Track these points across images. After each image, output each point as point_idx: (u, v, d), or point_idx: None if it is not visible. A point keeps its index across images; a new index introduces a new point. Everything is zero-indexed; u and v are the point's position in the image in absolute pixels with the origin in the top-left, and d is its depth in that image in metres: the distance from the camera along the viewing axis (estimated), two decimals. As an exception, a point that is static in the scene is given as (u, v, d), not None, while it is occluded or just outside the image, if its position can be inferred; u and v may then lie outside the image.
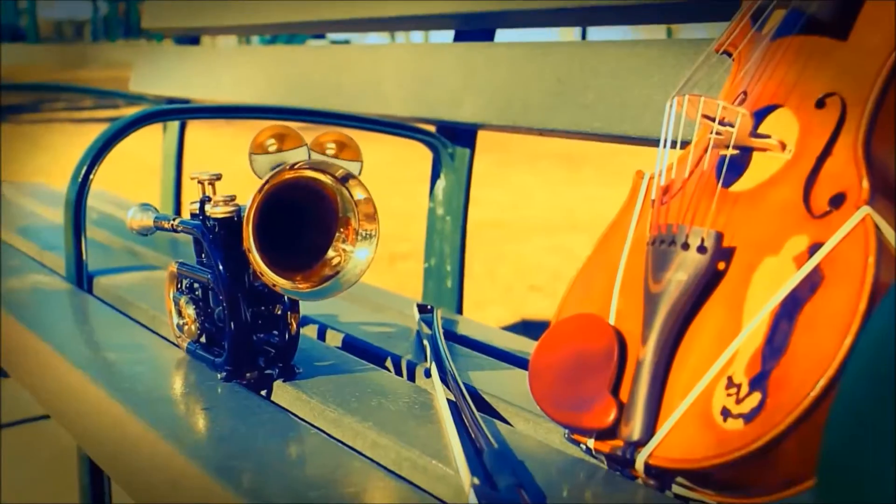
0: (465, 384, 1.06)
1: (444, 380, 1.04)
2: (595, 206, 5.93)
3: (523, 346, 1.33)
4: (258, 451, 0.88)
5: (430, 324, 1.28)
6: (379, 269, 4.22)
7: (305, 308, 1.37)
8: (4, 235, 1.99)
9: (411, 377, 1.16)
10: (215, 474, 0.82)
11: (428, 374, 1.12)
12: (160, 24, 2.75)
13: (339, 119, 1.76)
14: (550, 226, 5.38)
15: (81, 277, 1.52)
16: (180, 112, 1.61)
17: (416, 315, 1.35)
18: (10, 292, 1.49)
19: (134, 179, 3.82)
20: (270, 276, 0.98)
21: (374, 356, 1.20)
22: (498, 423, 0.97)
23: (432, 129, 1.76)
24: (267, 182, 0.97)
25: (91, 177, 1.52)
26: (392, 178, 5.77)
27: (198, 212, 1.08)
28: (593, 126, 1.38)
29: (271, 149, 1.00)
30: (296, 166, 0.98)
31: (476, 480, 0.77)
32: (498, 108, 1.56)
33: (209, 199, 1.07)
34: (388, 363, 1.19)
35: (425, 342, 1.21)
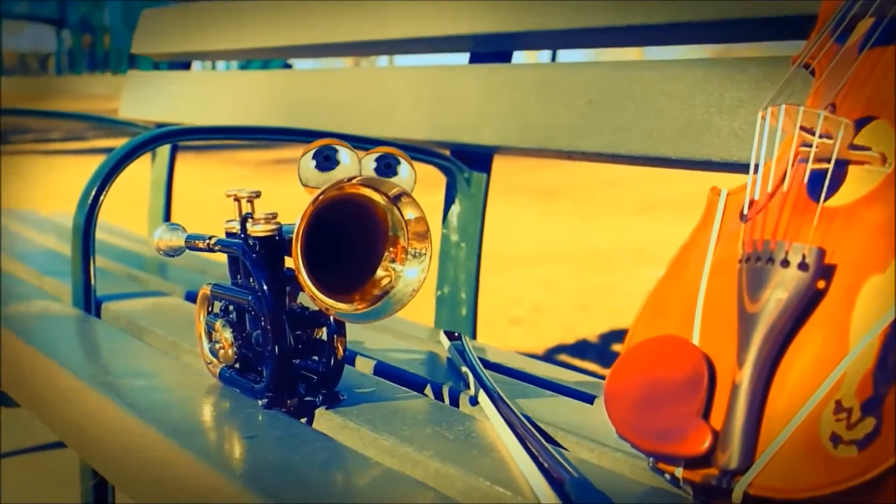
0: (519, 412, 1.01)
1: (497, 407, 0.99)
2: (575, 239, 5.92)
3: (557, 373, 1.28)
4: (316, 483, 0.83)
5: (460, 351, 1.23)
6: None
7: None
8: (4, 262, 1.93)
9: (454, 405, 1.11)
10: (277, 505, 0.77)
11: (474, 401, 1.07)
12: (150, 50, 2.70)
13: (349, 142, 1.71)
14: (530, 258, 5.35)
15: (90, 303, 1.46)
16: (193, 132, 1.56)
17: (446, 342, 1.30)
18: (17, 319, 1.43)
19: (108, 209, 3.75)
20: (322, 299, 0.93)
21: (412, 383, 1.15)
22: (566, 452, 0.92)
23: (446, 152, 1.72)
24: (319, 197, 0.92)
25: (101, 199, 1.47)
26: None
27: (238, 230, 1.03)
28: (629, 149, 1.34)
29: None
30: (352, 180, 0.93)
31: (569, 511, 0.72)
32: (520, 130, 1.52)
33: (251, 216, 1.02)
34: (428, 390, 1.14)
35: (464, 369, 1.16)
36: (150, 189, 2.62)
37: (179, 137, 1.52)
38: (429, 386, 1.14)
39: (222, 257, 1.11)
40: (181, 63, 2.68)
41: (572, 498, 0.76)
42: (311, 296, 0.93)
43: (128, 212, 3.03)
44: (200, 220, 1.27)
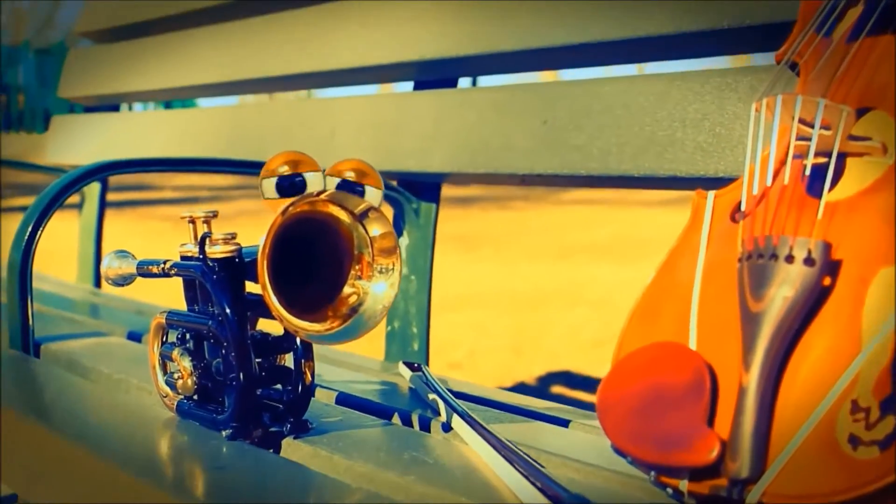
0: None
1: (477, 431, 0.95)
2: (498, 284, 5.90)
3: (523, 401, 1.24)
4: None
5: (425, 381, 1.18)
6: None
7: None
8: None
9: (426, 428, 1.06)
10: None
11: (447, 427, 1.02)
12: (78, 93, 2.63)
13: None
14: (457, 304, 5.32)
15: (28, 344, 1.39)
16: (135, 164, 1.50)
17: (407, 373, 1.25)
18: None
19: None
20: (291, 321, 0.88)
21: (378, 412, 1.10)
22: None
23: (394, 182, 1.67)
24: (286, 210, 0.87)
25: (38, 236, 1.40)
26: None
27: (195, 253, 0.98)
28: (588, 167, 1.30)
29: (284, 174, 0.91)
30: (320, 195, 0.89)
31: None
32: (472, 154, 1.48)
33: (209, 236, 0.96)
34: (396, 419, 1.09)
35: (432, 396, 1.11)
36: (79, 235, 2.55)
37: (120, 170, 1.47)
38: (396, 414, 1.09)
39: (161, 298, 1.06)
40: (110, 105, 2.61)
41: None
42: (279, 317, 0.88)
43: (50, 265, 2.95)
44: None
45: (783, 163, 0.80)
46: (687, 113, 1.21)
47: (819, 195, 0.77)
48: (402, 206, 1.65)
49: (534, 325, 4.69)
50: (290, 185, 0.91)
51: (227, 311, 0.93)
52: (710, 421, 0.74)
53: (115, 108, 2.59)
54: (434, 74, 1.65)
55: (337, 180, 0.93)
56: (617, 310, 4.63)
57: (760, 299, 0.73)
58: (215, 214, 0.99)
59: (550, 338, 4.46)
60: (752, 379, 0.72)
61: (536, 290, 5.67)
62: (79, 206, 2.56)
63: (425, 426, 1.06)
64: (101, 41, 2.66)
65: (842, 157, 0.78)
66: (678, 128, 1.21)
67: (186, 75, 2.22)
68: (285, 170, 0.91)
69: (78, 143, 2.55)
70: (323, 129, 1.77)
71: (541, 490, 0.78)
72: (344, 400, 1.17)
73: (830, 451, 0.68)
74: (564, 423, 1.07)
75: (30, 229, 1.39)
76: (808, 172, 0.78)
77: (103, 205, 2.49)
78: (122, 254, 1.10)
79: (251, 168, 1.67)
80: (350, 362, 1.45)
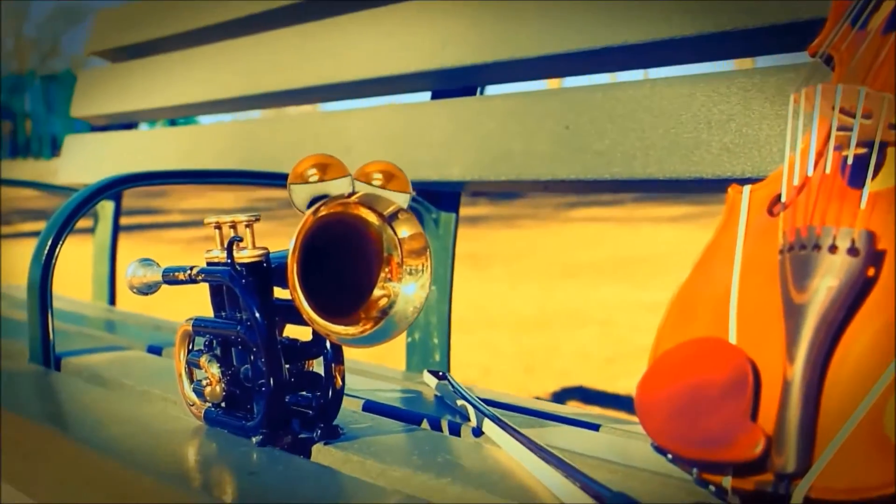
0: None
1: (511, 434, 0.93)
2: (506, 304, 5.89)
3: (551, 408, 1.23)
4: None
5: (452, 387, 1.17)
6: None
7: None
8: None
9: (457, 434, 1.05)
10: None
11: (477, 432, 1.01)
12: (90, 112, 2.63)
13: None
14: (468, 324, 5.30)
15: (49, 359, 1.38)
16: (152, 177, 1.50)
17: (432, 381, 1.24)
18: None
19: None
20: (322, 325, 0.87)
21: (407, 419, 1.09)
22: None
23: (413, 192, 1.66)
24: (317, 211, 0.86)
25: (57, 251, 1.39)
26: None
27: (222, 259, 0.97)
28: (612, 172, 1.30)
29: (312, 179, 0.90)
30: (350, 198, 0.88)
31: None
32: (493, 162, 1.47)
33: (240, 240, 0.95)
34: (425, 425, 1.08)
35: (461, 403, 1.10)
36: (93, 254, 2.54)
37: (137, 183, 1.46)
38: (425, 420, 1.08)
39: (176, 315, 1.05)
40: (123, 124, 2.61)
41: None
42: (310, 320, 0.87)
43: (65, 287, 2.94)
44: (139, 299, 1.22)
45: (823, 153, 0.79)
46: (712, 114, 1.20)
47: (861, 185, 0.76)
48: (422, 217, 1.64)
49: (543, 345, 4.68)
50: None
51: (257, 315, 0.92)
52: (754, 416, 0.73)
53: (129, 127, 2.59)
54: (451, 83, 1.65)
55: (364, 183, 0.92)
56: (625, 328, 4.62)
57: (804, 290, 0.72)
58: (258, 217, 0.98)
59: (561, 356, 4.44)
60: (797, 371, 0.71)
61: (544, 309, 5.65)
62: (91, 230, 2.55)
63: (455, 431, 1.04)
64: (113, 60, 2.66)
65: (883, 146, 0.77)
66: (703, 129, 1.20)
67: (195, 92, 2.21)
68: (313, 173, 0.90)
69: (89, 162, 2.54)
70: (339, 142, 1.76)
71: (581, 488, 0.77)
72: (371, 407, 1.16)
73: (879, 442, 0.67)
74: (595, 427, 1.05)
75: (49, 244, 1.38)
76: (849, 162, 0.77)
77: (117, 223, 2.49)
78: (147, 262, 1.09)
79: (267, 179, 1.66)
80: (372, 372, 1.44)
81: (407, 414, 1.10)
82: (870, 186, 0.76)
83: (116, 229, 2.50)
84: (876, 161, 0.76)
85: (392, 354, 1.76)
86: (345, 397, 1.17)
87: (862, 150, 0.77)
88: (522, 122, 1.44)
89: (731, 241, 0.82)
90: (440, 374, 1.27)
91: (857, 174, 0.77)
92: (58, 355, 1.41)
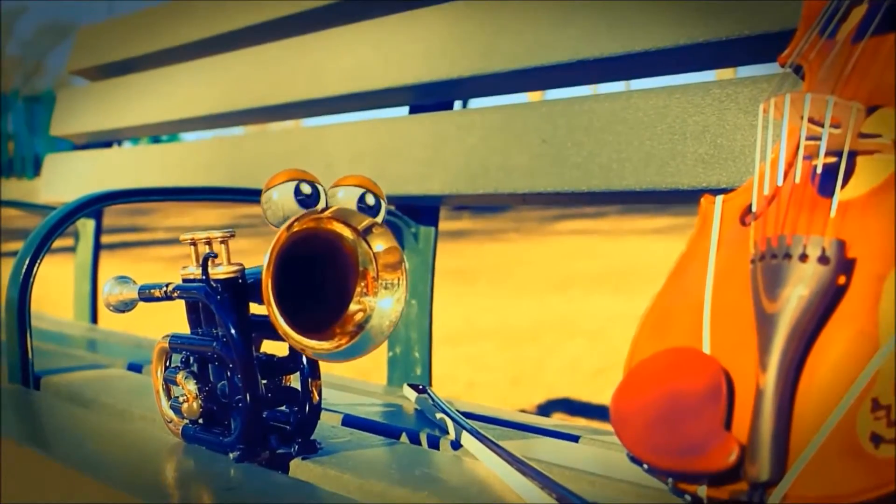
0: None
1: (488, 446, 0.93)
2: (495, 317, 5.89)
3: (530, 419, 1.22)
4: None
5: (432, 401, 1.17)
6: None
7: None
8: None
9: (436, 447, 1.05)
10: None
11: (456, 445, 1.01)
12: (70, 131, 2.63)
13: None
14: (455, 337, 5.30)
15: (28, 378, 1.38)
16: (129, 194, 1.50)
17: (412, 394, 1.24)
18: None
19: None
20: (298, 340, 0.87)
21: (386, 432, 1.09)
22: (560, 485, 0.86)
23: (391, 207, 1.66)
24: (293, 224, 0.87)
25: (35, 270, 1.39)
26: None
27: (197, 275, 0.97)
28: (590, 184, 1.30)
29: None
30: (323, 213, 0.88)
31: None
32: (472, 176, 1.47)
33: (214, 256, 0.95)
34: (404, 438, 1.08)
35: (439, 415, 1.10)
36: (74, 273, 2.53)
37: (114, 200, 1.46)
38: (404, 434, 1.08)
39: (161, 331, 1.05)
40: (101, 143, 2.61)
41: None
42: (286, 335, 0.87)
43: (46, 306, 2.94)
44: (121, 317, 1.21)
45: (793, 163, 0.79)
46: (687, 125, 1.20)
47: (831, 194, 0.76)
48: (402, 231, 1.64)
49: (531, 357, 4.68)
50: (303, 200, 0.90)
51: (233, 331, 0.92)
52: (728, 425, 0.73)
53: (110, 145, 2.58)
54: (431, 97, 1.65)
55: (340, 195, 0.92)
56: (614, 340, 4.62)
57: (775, 299, 0.73)
58: (232, 234, 0.98)
59: (548, 369, 4.45)
60: (770, 380, 0.71)
61: (533, 322, 5.66)
62: (73, 249, 2.55)
63: (434, 445, 1.04)
64: (93, 78, 2.66)
65: (852, 155, 0.77)
66: (679, 141, 1.21)
67: (176, 108, 2.21)
68: (289, 186, 0.90)
69: (71, 180, 2.54)
70: (319, 157, 1.76)
71: (558, 500, 0.77)
72: (350, 421, 1.15)
73: (852, 450, 0.67)
74: (574, 439, 1.05)
75: (27, 263, 1.38)
76: (819, 171, 0.77)
77: (98, 242, 2.48)
78: (123, 279, 1.09)
79: (247, 196, 1.66)
80: (353, 387, 1.44)
81: (386, 428, 1.10)
82: (840, 195, 0.76)
83: (97, 247, 2.49)
84: (846, 170, 0.76)
85: (374, 369, 1.76)
86: (324, 412, 1.18)
87: (832, 160, 0.77)
88: (500, 136, 1.44)
89: (705, 251, 0.83)
90: (420, 387, 1.27)
91: (826, 183, 0.77)
92: (37, 374, 1.41)
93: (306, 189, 0.90)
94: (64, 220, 1.42)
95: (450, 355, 4.81)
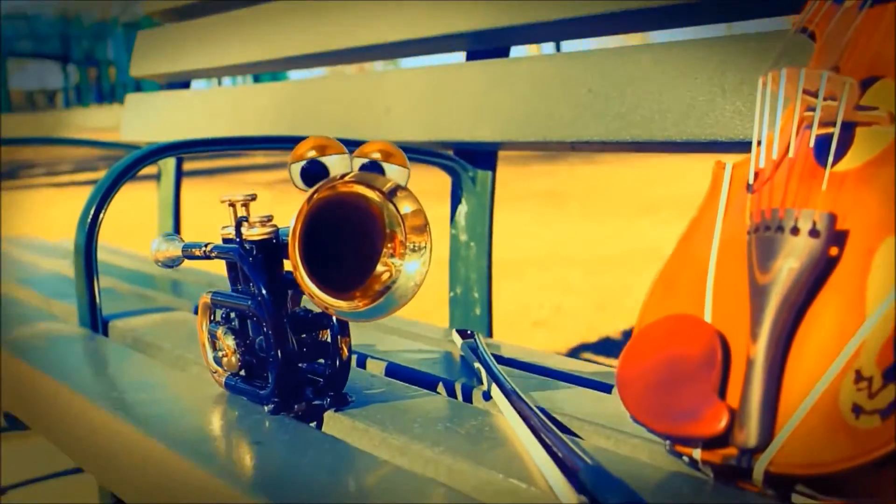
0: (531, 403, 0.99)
1: (510, 400, 0.97)
2: (584, 241, 5.90)
3: (574, 366, 1.25)
4: (323, 485, 0.80)
5: (473, 349, 1.20)
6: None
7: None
8: (6, 287, 1.91)
9: (468, 402, 1.08)
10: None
11: (487, 396, 1.04)
12: (149, 71, 2.69)
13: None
14: (543, 262, 5.32)
15: (96, 322, 1.44)
16: (187, 146, 1.54)
17: (458, 341, 1.27)
18: (22, 341, 1.41)
19: (117, 235, 3.74)
20: (322, 298, 0.91)
21: (424, 382, 1.13)
22: (578, 440, 0.89)
23: (450, 152, 1.69)
24: (312, 196, 0.90)
25: (101, 217, 1.44)
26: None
27: (233, 235, 1.01)
28: (632, 134, 1.31)
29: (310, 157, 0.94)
30: (344, 178, 0.91)
31: (584, 499, 0.69)
32: (521, 124, 1.49)
33: (246, 220, 0.99)
34: (440, 388, 1.12)
35: (476, 365, 1.13)
36: (157, 211, 2.60)
37: (174, 152, 1.51)
38: (441, 384, 1.12)
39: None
40: (181, 83, 2.66)
41: (587, 486, 0.74)
42: (310, 295, 0.91)
43: (139, 237, 3.01)
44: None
45: (791, 135, 0.80)
46: (725, 79, 1.21)
47: (825, 167, 0.77)
48: (459, 175, 1.67)
49: (616, 284, 4.69)
50: (314, 172, 0.94)
51: (263, 291, 0.96)
52: (722, 392, 0.75)
53: (186, 86, 2.64)
54: (485, 44, 1.67)
55: (362, 162, 0.95)
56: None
57: (767, 271, 0.74)
58: (254, 198, 1.02)
59: (634, 296, 4.45)
60: (760, 350, 0.73)
61: (621, 246, 5.66)
62: (157, 177, 2.61)
63: (468, 395, 1.08)
64: (169, 20, 2.71)
65: (850, 126, 0.78)
66: (717, 93, 1.21)
67: (247, 52, 2.25)
68: (313, 154, 0.93)
69: (150, 120, 2.60)
70: (379, 103, 1.79)
71: (560, 460, 0.80)
72: (393, 371, 1.20)
73: (834, 420, 0.69)
74: (608, 389, 1.08)
75: (93, 211, 1.43)
76: (812, 145, 0.78)
77: (179, 180, 2.54)
78: (170, 237, 1.13)
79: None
80: (410, 331, 1.48)
81: (425, 378, 1.14)
82: (839, 166, 0.77)
83: (179, 184, 2.55)
84: (842, 142, 0.78)
85: (439, 309, 1.80)
86: (370, 360, 1.22)
87: (830, 130, 0.79)
88: (548, 85, 1.46)
89: (712, 217, 0.84)
90: (469, 332, 1.30)
91: (822, 156, 0.78)
92: (106, 318, 1.47)
93: (323, 159, 0.93)
94: (127, 171, 1.46)
95: (538, 280, 4.84)
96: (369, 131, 1.79)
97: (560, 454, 0.81)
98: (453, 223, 1.70)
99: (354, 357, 1.25)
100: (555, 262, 5.28)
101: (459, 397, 1.09)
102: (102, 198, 1.44)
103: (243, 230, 0.99)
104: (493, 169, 1.67)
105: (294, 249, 0.90)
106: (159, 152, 1.45)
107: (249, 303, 1.00)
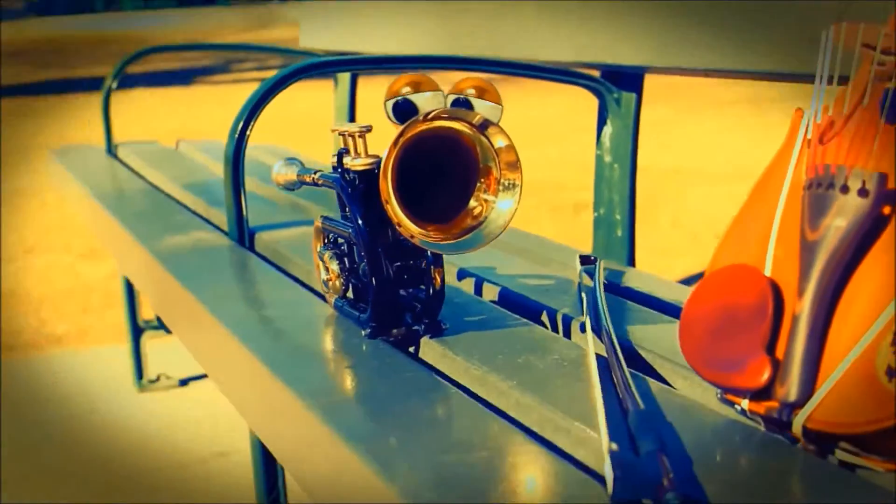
0: (622, 339, 1.01)
1: (598, 335, 0.99)
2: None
3: (678, 294, 1.26)
4: (396, 412, 0.85)
5: (592, 276, 1.22)
6: (563, 218, 4.18)
7: (465, 260, 1.33)
8: (175, 192, 2.00)
9: (567, 332, 1.11)
10: (347, 435, 0.80)
11: (583, 328, 1.06)
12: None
13: (500, 67, 1.72)
14: (737, 173, 5.22)
15: (243, 234, 1.51)
16: (325, 65, 1.59)
17: (578, 267, 1.29)
18: (172, 249, 1.49)
19: (308, 137, 3.84)
20: (409, 227, 0.94)
21: (531, 311, 1.16)
22: (654, 381, 0.91)
23: (597, 73, 1.69)
24: (401, 134, 0.93)
25: (248, 132, 1.50)
26: (575, 125, 5.68)
27: (337, 164, 1.05)
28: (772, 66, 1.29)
29: (405, 93, 0.96)
30: (429, 116, 0.94)
31: (614, 446, 0.71)
32: (666, 49, 1.48)
33: (347, 152, 1.03)
34: (544, 317, 1.14)
35: (583, 295, 1.15)
36: (334, 117, 2.67)
37: (316, 70, 1.55)
38: (545, 313, 1.15)
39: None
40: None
41: (632, 430, 0.76)
42: (397, 223, 0.94)
43: (317, 140, 3.09)
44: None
45: (864, 90, 0.79)
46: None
47: (890, 122, 0.76)
48: (604, 96, 1.67)
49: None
50: (405, 108, 0.97)
51: (359, 221, 1.00)
52: (772, 345, 0.76)
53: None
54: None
55: (454, 98, 0.98)
56: None
57: (816, 229, 0.74)
58: (369, 129, 1.05)
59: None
60: (805, 307, 0.74)
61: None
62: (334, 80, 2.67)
63: (567, 328, 1.11)
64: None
65: (914, 84, 0.77)
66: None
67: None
68: (407, 90, 0.96)
69: (326, 28, 2.65)
70: (525, 20, 1.80)
71: (619, 401, 0.82)
72: (505, 296, 1.23)
73: (869, 381, 0.69)
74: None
75: (240, 127, 1.50)
76: (867, 103, 0.77)
77: (354, 89, 2.60)
78: (291, 161, 1.18)
79: (464, 65, 1.72)
80: (541, 253, 1.50)
81: (531, 305, 1.17)
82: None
83: (353, 94, 2.61)
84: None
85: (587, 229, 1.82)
86: (485, 284, 1.25)
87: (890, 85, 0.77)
88: (689, 10, 1.44)
89: (785, 166, 0.84)
90: (591, 258, 1.32)
91: (890, 113, 0.77)
92: (252, 230, 1.54)
93: (416, 96, 0.96)
94: (274, 88, 1.52)
95: (728, 192, 4.76)
96: (516, 48, 1.80)
97: (620, 395, 0.83)
98: (599, 144, 1.70)
99: (473, 280, 1.29)
100: (748, 174, 5.17)
101: (560, 328, 1.12)
102: (250, 113, 1.50)
103: (345, 160, 1.03)
104: (639, 91, 1.67)
105: (385, 183, 0.93)
106: (301, 71, 1.49)
107: (350, 231, 1.04)
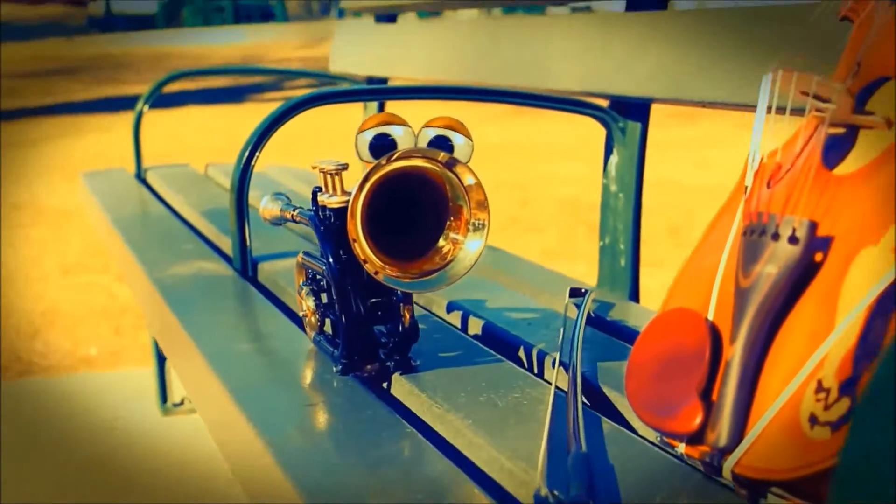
0: (591, 377, 1.02)
1: (568, 371, 1.00)
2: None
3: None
4: (346, 452, 0.86)
5: (578, 307, 1.23)
6: (576, 240, 4.17)
7: (456, 292, 1.34)
8: (193, 219, 2.03)
9: (541, 368, 1.12)
10: (294, 474, 0.81)
11: (553, 364, 1.07)
12: (358, 4, 2.76)
13: (505, 97, 1.74)
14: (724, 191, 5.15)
15: (246, 263, 1.53)
16: (340, 95, 1.61)
17: (567, 299, 1.30)
18: (173, 279, 1.52)
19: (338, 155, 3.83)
20: (374, 263, 0.96)
21: (510, 345, 1.17)
22: (609, 422, 0.91)
23: (605, 103, 1.70)
24: (367, 177, 0.94)
25: (253, 162, 1.53)
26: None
27: (327, 201, 1.07)
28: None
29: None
30: (393, 157, 0.95)
31: (543, 490, 0.72)
32: (677, 80, 1.48)
33: (320, 189, 1.05)
34: (521, 352, 1.15)
35: (562, 329, 1.16)
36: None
37: (325, 101, 1.57)
38: (521, 348, 1.16)
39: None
40: (388, 16, 2.72)
41: (569, 472, 0.77)
42: (363, 259, 0.95)
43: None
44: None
45: (804, 140, 0.80)
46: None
47: (831, 167, 0.77)
48: (610, 126, 1.68)
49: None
50: (380, 145, 0.98)
51: (331, 259, 1.02)
52: (709, 389, 0.77)
53: (392, 19, 2.69)
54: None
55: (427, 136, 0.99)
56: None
57: (748, 275, 0.75)
58: (345, 167, 1.06)
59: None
60: (736, 353, 0.74)
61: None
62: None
63: (541, 364, 1.11)
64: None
65: (855, 130, 0.77)
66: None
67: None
68: (376, 130, 0.98)
69: (355, 53, 2.68)
70: (535, 49, 1.81)
71: (568, 442, 0.83)
72: (488, 330, 1.24)
73: (792, 428, 0.70)
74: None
75: (245, 157, 1.52)
76: (810, 148, 0.77)
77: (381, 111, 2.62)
78: (278, 196, 1.20)
79: (471, 95, 1.74)
80: (538, 284, 1.51)
81: (510, 340, 1.18)
82: (840, 170, 0.77)
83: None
84: (845, 145, 0.77)
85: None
86: (471, 317, 1.27)
87: (835, 131, 0.78)
88: (701, 42, 1.44)
89: (735, 209, 0.85)
90: (582, 291, 1.33)
91: (828, 159, 0.77)
92: (255, 259, 1.56)
93: (386, 134, 0.98)
94: (280, 118, 1.54)
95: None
96: (522, 76, 1.81)
97: (568, 435, 0.84)
98: (605, 173, 1.71)
99: (460, 314, 1.31)
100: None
101: (535, 364, 1.12)
102: (256, 143, 1.52)
103: (320, 198, 1.05)
104: (645, 121, 1.67)
105: (353, 222, 0.95)
106: (310, 101, 1.52)
107: (325, 267, 1.05)
